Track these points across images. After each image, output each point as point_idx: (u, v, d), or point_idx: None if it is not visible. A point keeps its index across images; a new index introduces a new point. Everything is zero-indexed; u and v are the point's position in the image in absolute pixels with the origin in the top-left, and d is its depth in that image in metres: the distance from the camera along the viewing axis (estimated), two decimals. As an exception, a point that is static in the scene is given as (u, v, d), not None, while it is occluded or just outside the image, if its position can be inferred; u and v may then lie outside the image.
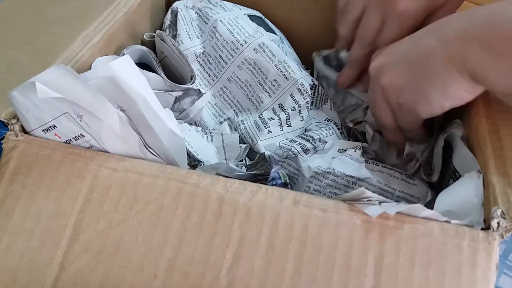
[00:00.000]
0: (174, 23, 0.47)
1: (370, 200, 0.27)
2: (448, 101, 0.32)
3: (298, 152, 0.39)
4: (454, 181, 0.32)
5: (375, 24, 0.39)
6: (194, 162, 0.37)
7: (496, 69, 0.29)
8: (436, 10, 0.38)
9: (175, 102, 0.41)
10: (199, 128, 0.42)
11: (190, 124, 0.42)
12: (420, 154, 0.39)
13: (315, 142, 0.39)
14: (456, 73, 0.31)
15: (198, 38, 0.47)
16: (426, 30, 0.33)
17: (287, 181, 0.34)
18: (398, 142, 0.39)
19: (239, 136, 0.42)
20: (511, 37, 0.27)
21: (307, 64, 0.49)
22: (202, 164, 0.37)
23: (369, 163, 0.37)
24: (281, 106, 0.42)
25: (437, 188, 0.36)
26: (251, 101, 0.44)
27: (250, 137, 0.42)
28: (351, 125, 0.44)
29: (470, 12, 0.31)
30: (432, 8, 0.38)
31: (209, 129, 0.43)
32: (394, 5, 0.37)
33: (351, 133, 0.44)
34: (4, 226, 0.27)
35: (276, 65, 0.42)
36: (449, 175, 0.35)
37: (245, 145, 0.42)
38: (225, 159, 0.40)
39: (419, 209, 0.26)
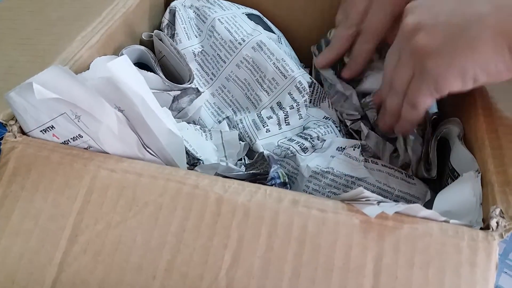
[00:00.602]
0: (172, 22, 0.47)
1: (369, 200, 0.27)
2: (486, 77, 0.29)
3: (297, 151, 0.39)
4: (453, 180, 0.32)
5: (360, 7, 0.40)
6: (193, 161, 0.37)
7: None
8: None
9: (173, 101, 0.41)
10: (198, 126, 0.42)
11: (189, 123, 0.42)
12: (414, 156, 0.39)
13: (313, 141, 0.39)
14: (505, 48, 0.27)
15: (196, 37, 0.47)
16: None
17: (286, 180, 0.34)
18: (389, 127, 0.38)
19: (238, 135, 0.42)
20: None
21: (305, 62, 0.49)
22: (202, 162, 0.37)
23: (368, 162, 0.37)
24: (279, 104, 0.42)
25: (436, 187, 0.36)
26: (250, 99, 0.44)
27: (248, 136, 0.42)
28: (348, 123, 0.43)
29: None
30: None
31: (207, 127, 0.43)
32: None
33: (347, 130, 0.43)
34: (3, 227, 0.27)
35: (274, 63, 0.42)
36: (447, 175, 0.35)
37: (245, 142, 0.42)
38: (225, 156, 0.40)
39: (418, 209, 0.26)
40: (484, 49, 0.28)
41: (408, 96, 0.34)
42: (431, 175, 0.36)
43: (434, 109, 0.41)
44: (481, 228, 0.26)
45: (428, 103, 0.33)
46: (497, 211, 0.26)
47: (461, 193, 0.29)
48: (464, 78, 0.30)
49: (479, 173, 0.29)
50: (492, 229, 0.26)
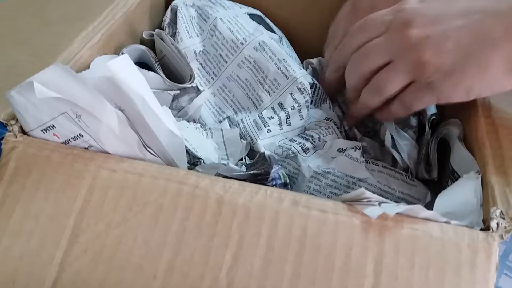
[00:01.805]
0: (173, 21, 0.47)
1: (370, 201, 0.27)
2: (490, 92, 0.30)
3: (298, 151, 0.39)
4: (453, 181, 0.32)
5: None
6: (193, 160, 0.37)
7: None
8: None
9: (173, 100, 0.41)
10: (198, 125, 0.42)
11: (189, 121, 0.42)
12: (410, 161, 0.39)
13: (314, 141, 0.39)
14: None
15: (198, 36, 0.47)
16: (482, 5, 0.29)
17: (287, 181, 0.34)
18: (360, 116, 0.38)
19: (239, 134, 0.42)
20: None
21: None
22: (202, 161, 0.37)
23: (369, 163, 0.37)
24: (281, 105, 0.42)
25: (436, 189, 0.36)
26: (251, 100, 0.44)
27: (249, 136, 0.42)
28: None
29: None
30: None
31: (207, 126, 0.43)
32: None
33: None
34: (3, 227, 0.27)
35: (276, 64, 0.42)
36: (447, 176, 0.35)
37: (246, 141, 0.42)
38: (226, 154, 0.40)
39: (419, 210, 0.26)
40: (494, 72, 0.28)
41: (403, 100, 0.33)
42: (432, 177, 0.36)
43: (433, 110, 0.41)
44: (481, 229, 0.26)
45: (423, 107, 0.33)
46: (498, 212, 0.26)
47: (461, 194, 0.29)
48: (468, 94, 0.30)
49: (479, 174, 0.29)
50: (492, 230, 0.26)
